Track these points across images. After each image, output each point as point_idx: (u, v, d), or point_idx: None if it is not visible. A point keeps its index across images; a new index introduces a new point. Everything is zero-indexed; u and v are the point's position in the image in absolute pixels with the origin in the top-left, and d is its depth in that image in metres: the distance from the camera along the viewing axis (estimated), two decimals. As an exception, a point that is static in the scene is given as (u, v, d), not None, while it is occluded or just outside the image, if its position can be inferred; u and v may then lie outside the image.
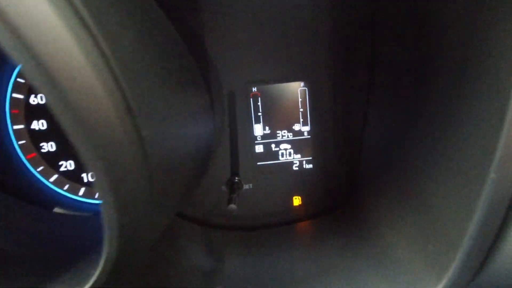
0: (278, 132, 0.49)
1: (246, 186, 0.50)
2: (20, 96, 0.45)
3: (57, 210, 0.46)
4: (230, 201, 0.41)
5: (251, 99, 0.48)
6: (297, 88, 0.48)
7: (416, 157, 0.35)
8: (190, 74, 0.33)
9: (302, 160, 0.51)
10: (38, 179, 0.47)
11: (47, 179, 0.47)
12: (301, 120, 0.49)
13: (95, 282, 0.20)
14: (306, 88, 0.48)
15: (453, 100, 0.29)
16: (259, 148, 0.50)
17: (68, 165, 0.47)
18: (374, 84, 0.47)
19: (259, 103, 0.48)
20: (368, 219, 0.44)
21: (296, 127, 0.49)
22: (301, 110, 0.49)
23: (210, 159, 0.44)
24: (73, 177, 0.47)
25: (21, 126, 0.45)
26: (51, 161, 0.46)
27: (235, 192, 0.44)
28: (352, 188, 0.51)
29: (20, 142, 0.45)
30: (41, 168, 0.46)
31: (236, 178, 0.47)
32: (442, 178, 0.30)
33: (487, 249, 0.26)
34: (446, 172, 0.29)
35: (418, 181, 0.34)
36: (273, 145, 0.50)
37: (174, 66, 0.27)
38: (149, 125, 0.18)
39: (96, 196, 0.47)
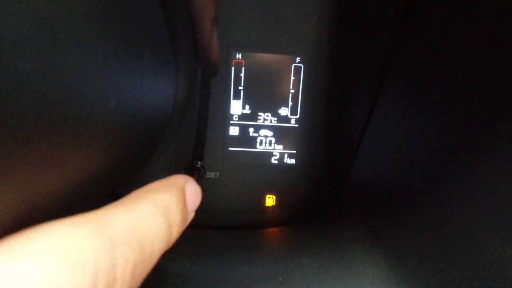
0: (260, 114, 0.40)
1: (211, 175, 0.41)
2: None
3: None
4: None
5: (232, 68, 0.38)
6: (291, 64, 0.39)
7: (422, 179, 0.29)
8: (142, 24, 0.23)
9: (284, 153, 0.42)
10: None
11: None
12: (290, 104, 0.40)
13: None
14: (302, 65, 0.39)
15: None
16: (233, 130, 0.40)
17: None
18: (387, 80, 0.38)
19: (242, 74, 0.39)
20: (343, 240, 0.36)
21: (283, 111, 0.40)
22: (292, 91, 0.40)
23: (163, 135, 0.34)
24: None
25: None
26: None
27: None
28: (337, 197, 0.43)
29: None
30: None
31: (199, 162, 0.38)
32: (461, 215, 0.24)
33: None
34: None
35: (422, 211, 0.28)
36: (251, 129, 0.41)
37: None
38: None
39: None
